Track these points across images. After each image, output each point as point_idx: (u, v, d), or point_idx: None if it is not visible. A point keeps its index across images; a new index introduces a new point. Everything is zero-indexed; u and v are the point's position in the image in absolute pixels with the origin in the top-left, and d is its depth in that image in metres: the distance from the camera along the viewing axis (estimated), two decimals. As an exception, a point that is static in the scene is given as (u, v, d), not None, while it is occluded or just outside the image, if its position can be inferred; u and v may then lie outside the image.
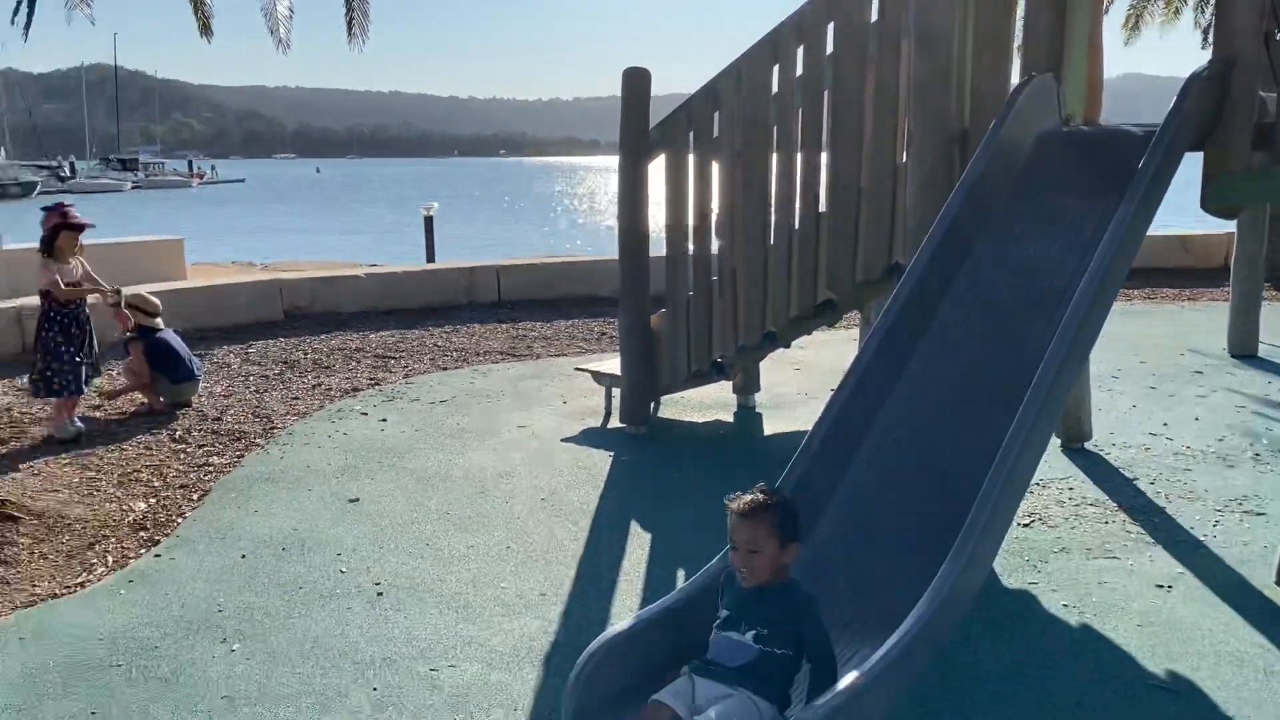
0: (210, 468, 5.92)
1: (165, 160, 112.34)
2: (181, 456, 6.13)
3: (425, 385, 7.90)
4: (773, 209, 5.95)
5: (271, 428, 6.72)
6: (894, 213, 5.46)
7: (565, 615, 4.12)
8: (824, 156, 5.78)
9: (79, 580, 4.45)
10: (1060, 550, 4.65)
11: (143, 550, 4.77)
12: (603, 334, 9.90)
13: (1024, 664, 3.66)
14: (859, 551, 3.32)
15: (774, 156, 5.92)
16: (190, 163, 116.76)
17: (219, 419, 6.86)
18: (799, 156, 5.82)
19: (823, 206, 5.79)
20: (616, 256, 6.54)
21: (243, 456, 6.12)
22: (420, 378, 8.15)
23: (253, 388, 7.75)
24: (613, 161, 6.55)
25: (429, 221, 18.49)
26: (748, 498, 2.85)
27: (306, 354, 8.89)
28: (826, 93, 5.66)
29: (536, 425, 6.79)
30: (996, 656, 3.70)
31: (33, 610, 4.16)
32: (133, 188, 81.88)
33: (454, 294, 11.33)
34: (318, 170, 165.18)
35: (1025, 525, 4.91)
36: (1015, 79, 4.96)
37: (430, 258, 18.00)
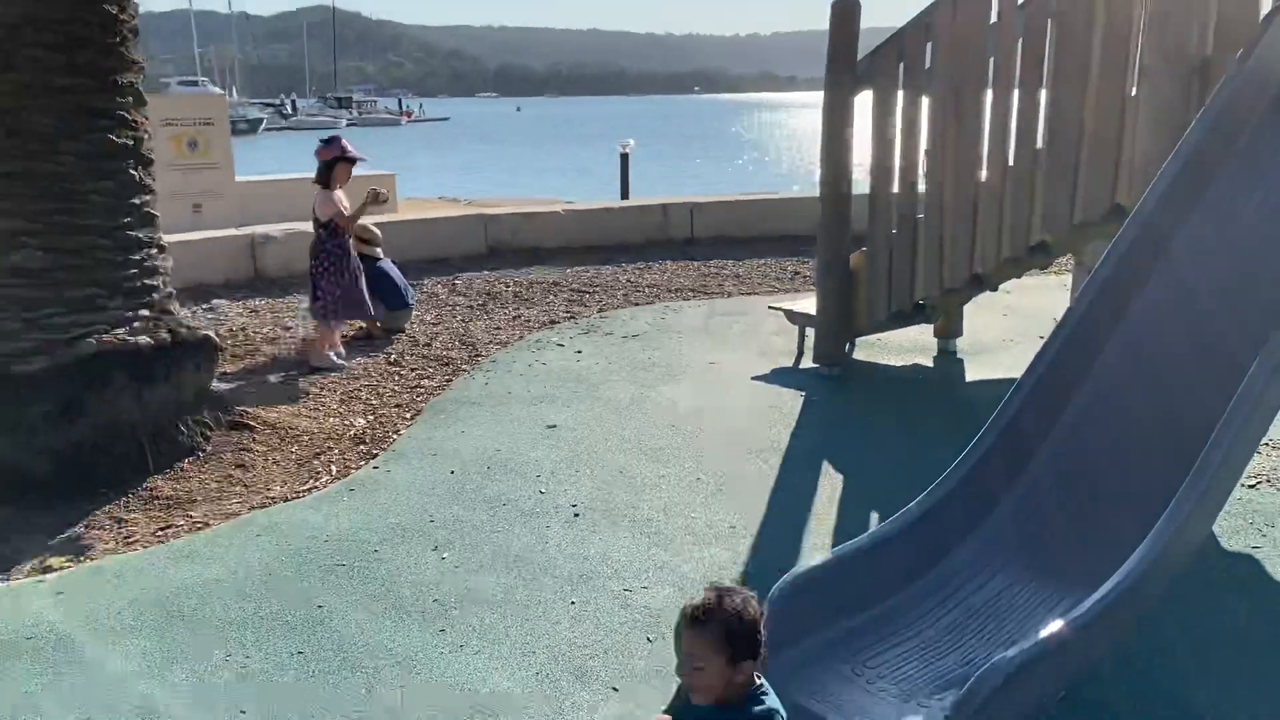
0: (422, 389, 6.27)
1: (377, 98, 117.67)
2: (396, 378, 6.52)
3: (618, 320, 8.05)
4: (985, 144, 5.69)
5: (476, 355, 7.04)
6: (1119, 150, 5.13)
7: (755, 548, 4.17)
8: (1043, 90, 5.47)
9: (306, 486, 4.83)
10: (1290, 516, 4.33)
11: (362, 462, 5.13)
12: (796, 273, 9.80)
13: (1246, 630, 3.45)
14: (1069, 501, 3.20)
15: (989, 90, 5.65)
16: (400, 101, 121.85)
17: (429, 345, 7.24)
18: (1016, 89, 5.53)
19: (1039, 143, 5.50)
20: (811, 194, 6.43)
21: (450, 380, 6.45)
22: (613, 312, 8.32)
23: (459, 317, 8.12)
24: (809, 98, 6.42)
25: (625, 159, 18.64)
26: (698, 601, 2.26)
27: (507, 287, 9.21)
28: (1050, 21, 5.34)
29: (727, 362, 6.82)
30: (1215, 620, 3.50)
31: (269, 510, 4.56)
32: (347, 125, 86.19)
33: (648, 231, 11.44)
34: (518, 109, 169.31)
35: (1250, 487, 4.59)
36: (1268, 2, 4.54)
37: (625, 195, 18.19)
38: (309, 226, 9.94)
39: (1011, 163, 5.60)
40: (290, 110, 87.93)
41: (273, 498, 4.70)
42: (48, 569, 4.04)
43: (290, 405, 5.93)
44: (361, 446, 5.33)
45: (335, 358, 6.77)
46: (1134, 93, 5.08)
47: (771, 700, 2.25)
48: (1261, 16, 4.36)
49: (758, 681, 2.26)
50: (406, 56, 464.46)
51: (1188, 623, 3.47)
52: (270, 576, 3.93)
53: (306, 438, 5.43)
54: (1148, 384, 3.39)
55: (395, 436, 5.47)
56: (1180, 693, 3.11)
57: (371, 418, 5.78)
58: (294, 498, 4.70)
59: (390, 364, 6.82)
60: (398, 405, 5.99)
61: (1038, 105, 5.48)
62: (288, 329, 7.63)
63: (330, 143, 6.78)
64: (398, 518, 4.45)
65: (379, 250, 7.64)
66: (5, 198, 4.79)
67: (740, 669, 2.21)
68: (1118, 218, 5.19)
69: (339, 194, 6.75)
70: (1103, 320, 3.49)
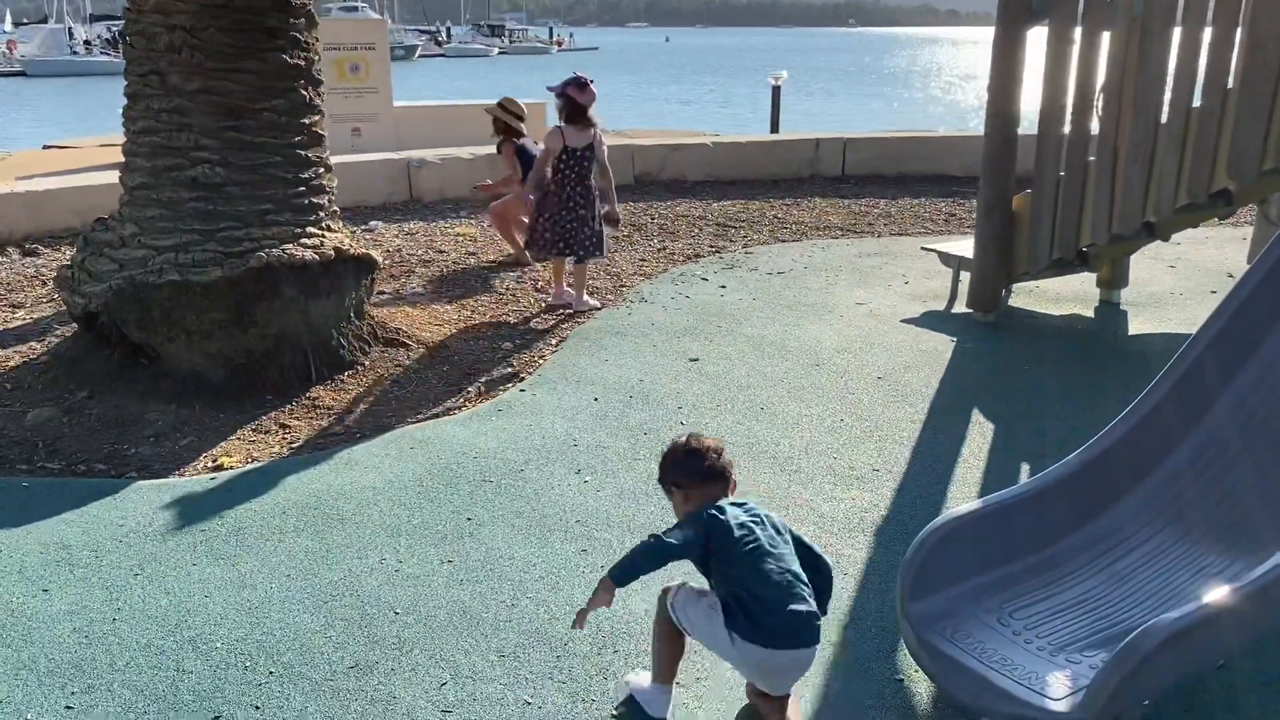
0: (567, 317, 6.36)
1: (529, 27, 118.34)
2: (542, 304, 6.63)
3: (764, 256, 7.97)
4: (1169, 84, 5.33)
5: (620, 286, 7.09)
6: (1322, 92, 4.73)
7: (898, 492, 4.11)
8: (1239, 27, 5.07)
9: (457, 405, 4.99)
10: None
11: (509, 385, 5.26)
12: (951, 215, 9.47)
13: None
14: (1244, 461, 3.03)
15: (1178, 26, 5.27)
16: (551, 30, 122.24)
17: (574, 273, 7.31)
18: (1209, 25, 5.15)
19: (1230, 83, 5.12)
20: (970, 133, 6.18)
21: (595, 310, 6.52)
22: (759, 248, 8.23)
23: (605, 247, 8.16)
24: (971, 34, 6.13)
25: (776, 91, 18.26)
26: None
27: (653, 219, 9.21)
28: (1254, -51, 4.93)
29: (875, 303, 6.68)
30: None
31: (422, 425, 4.74)
32: (499, 53, 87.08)
33: (797, 166, 11.24)
34: (666, 39, 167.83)
35: None
36: None
37: (774, 128, 17.87)
38: (463, 152, 10.16)
39: (1197, 103, 5.24)
40: (445, 37, 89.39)
41: (425, 414, 4.87)
42: (219, 467, 4.31)
43: (442, 326, 6.11)
44: (509, 369, 5.47)
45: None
46: (1345, 29, 4.67)
47: (706, 516, 2.63)
48: None
49: (717, 503, 2.67)
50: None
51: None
52: (422, 488, 4.09)
53: (457, 358, 5.60)
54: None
55: (541, 362, 5.59)
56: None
57: (518, 342, 5.90)
58: (445, 415, 4.86)
59: (536, 290, 6.94)
60: (544, 331, 6.10)
61: (1232, 42, 5.10)
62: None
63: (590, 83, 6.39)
64: (542, 440, 4.56)
65: (524, 127, 7.70)
66: (186, 114, 5.03)
67: (685, 497, 2.74)
68: (1315, 166, 4.83)
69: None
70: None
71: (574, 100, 6.29)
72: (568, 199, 6.34)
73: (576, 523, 3.83)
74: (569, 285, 6.63)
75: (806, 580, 2.59)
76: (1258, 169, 5.03)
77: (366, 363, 5.38)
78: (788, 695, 2.67)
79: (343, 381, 5.19)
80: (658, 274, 7.40)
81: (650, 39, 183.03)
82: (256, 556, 3.58)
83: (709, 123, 27.53)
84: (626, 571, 2.61)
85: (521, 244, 7.57)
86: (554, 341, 5.92)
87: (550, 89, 6.50)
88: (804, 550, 2.68)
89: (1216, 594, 2.37)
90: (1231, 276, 7.13)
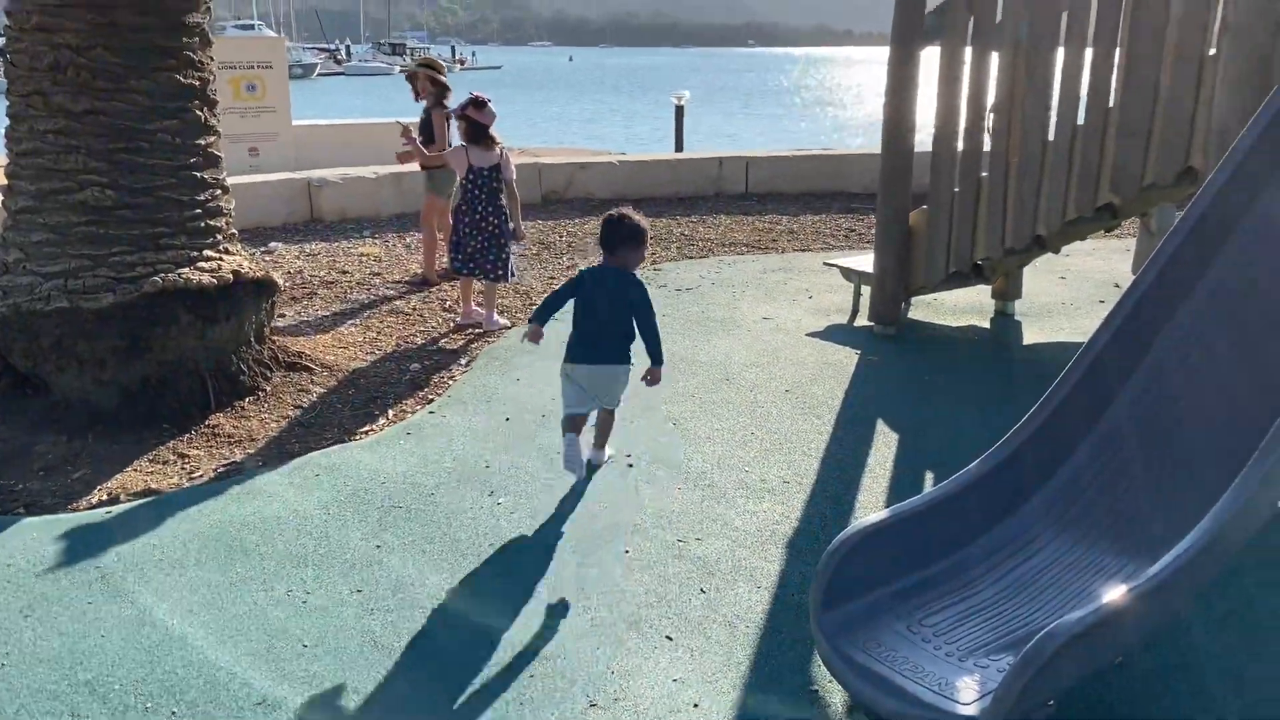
0: (476, 337, 6.30)
1: (430, 45, 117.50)
2: (450, 324, 6.56)
3: (672, 272, 8.03)
4: (1055, 103, 5.56)
5: (530, 304, 7.05)
6: (1195, 111, 4.98)
7: (808, 503, 4.17)
8: (1118, 48, 5.32)
9: (365, 429, 4.90)
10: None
11: (418, 407, 5.18)
12: (851, 230, 9.68)
13: (1305, 605, 3.39)
14: (1137, 467, 3.16)
15: (1061, 47, 5.50)
16: (453, 48, 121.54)
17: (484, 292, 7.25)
18: (1089, 46, 5.38)
19: (1111, 102, 5.35)
20: (868, 151, 6.34)
21: (505, 329, 6.48)
22: (667, 265, 8.29)
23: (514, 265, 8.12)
24: (864, 53, 6.33)
25: (679, 110, 18.45)
26: None
27: (561, 236, 9.21)
28: (1129, -26, 5.17)
29: (781, 318, 6.78)
30: (1274, 595, 3.45)
31: (328, 451, 4.63)
32: (400, 71, 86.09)
33: (702, 184, 11.36)
34: (570, 59, 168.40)
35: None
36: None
37: (679, 147, 18.04)
38: (365, 171, 10.00)
39: (1081, 122, 5.47)
40: (344, 56, 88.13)
41: (331, 439, 4.77)
42: (114, 500, 4.15)
43: (347, 349, 6.00)
44: (418, 391, 5.39)
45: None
46: (1213, 51, 4.92)
47: (575, 275, 4.19)
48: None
49: (599, 265, 4.19)
50: (460, 3, 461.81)
51: (1253, 605, 3.43)
52: (329, 516, 4.00)
53: (363, 381, 5.50)
54: (1218, 352, 3.32)
55: (451, 382, 5.52)
56: (1230, 665, 3.08)
57: (427, 363, 5.83)
58: (352, 440, 4.77)
59: (444, 310, 6.87)
60: (453, 351, 6.04)
61: (1112, 63, 5.33)
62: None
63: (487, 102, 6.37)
64: (454, 463, 4.51)
65: (446, 82, 7.59)
66: (74, 136, 4.84)
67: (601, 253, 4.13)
68: (1189, 180, 5.07)
69: None
70: (1180, 281, 3.41)
71: (474, 120, 6.25)
72: (479, 220, 6.30)
73: (490, 546, 3.79)
74: (478, 304, 6.58)
75: (627, 331, 4.04)
76: (1138, 184, 5.26)
77: (268, 388, 5.25)
78: (612, 410, 4.31)
79: (244, 408, 5.05)
80: (566, 292, 7.38)
81: (553, 58, 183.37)
82: (156, 592, 3.45)
83: (615, 141, 27.70)
84: (540, 313, 4.11)
85: (440, 263, 7.45)
86: (464, 361, 5.86)
87: (449, 113, 6.46)
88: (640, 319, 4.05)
89: (1114, 594, 2.46)
90: (1118, 286, 7.45)
